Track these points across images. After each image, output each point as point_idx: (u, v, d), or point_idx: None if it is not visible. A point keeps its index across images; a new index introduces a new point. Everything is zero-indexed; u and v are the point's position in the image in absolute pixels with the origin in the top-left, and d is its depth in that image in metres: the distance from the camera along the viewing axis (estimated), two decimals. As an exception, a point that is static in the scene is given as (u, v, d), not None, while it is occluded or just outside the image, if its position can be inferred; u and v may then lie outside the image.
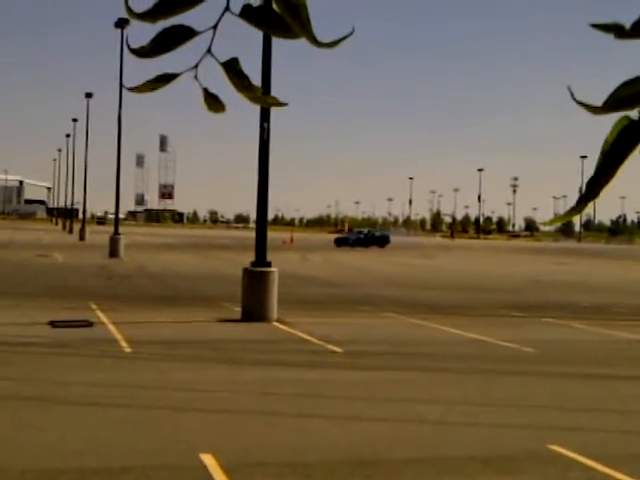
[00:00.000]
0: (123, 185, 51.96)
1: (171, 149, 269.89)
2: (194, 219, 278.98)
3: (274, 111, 20.79)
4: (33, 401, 10.85)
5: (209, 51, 1.20)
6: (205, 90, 1.26)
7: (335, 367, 14.10)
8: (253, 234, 21.48)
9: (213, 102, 1.30)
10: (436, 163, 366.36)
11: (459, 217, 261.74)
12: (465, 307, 25.55)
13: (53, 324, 17.95)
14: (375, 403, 11.34)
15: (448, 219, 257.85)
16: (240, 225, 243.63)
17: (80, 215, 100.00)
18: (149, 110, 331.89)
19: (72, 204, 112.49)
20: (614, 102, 1.21)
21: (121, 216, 58.36)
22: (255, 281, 20.29)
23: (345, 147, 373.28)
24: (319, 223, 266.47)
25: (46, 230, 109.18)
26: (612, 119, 1.24)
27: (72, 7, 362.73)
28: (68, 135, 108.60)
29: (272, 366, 14.02)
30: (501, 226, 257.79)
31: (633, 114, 1.23)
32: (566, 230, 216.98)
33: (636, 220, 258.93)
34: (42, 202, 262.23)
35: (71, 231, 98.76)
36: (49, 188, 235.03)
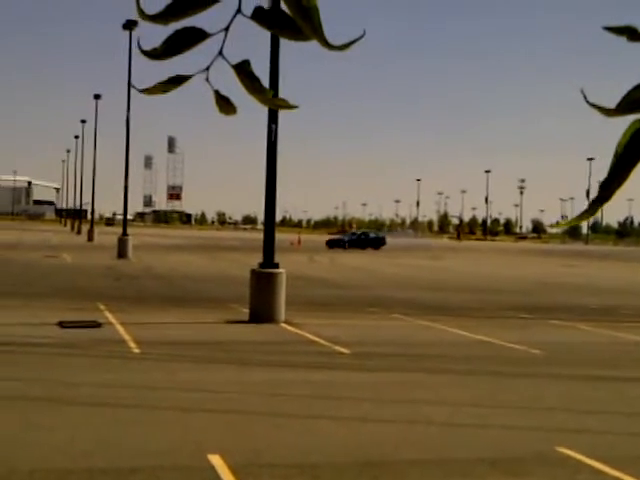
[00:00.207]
0: (131, 186, 52.00)
1: (179, 150, 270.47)
2: (202, 220, 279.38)
3: (282, 113, 20.73)
4: (42, 401, 10.87)
5: (220, 53, 1.21)
6: (216, 92, 1.27)
7: (343, 368, 14.10)
8: (261, 235, 21.49)
9: (224, 104, 1.30)
10: (443, 165, 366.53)
11: (466, 219, 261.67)
12: (472, 309, 25.53)
13: (62, 325, 17.98)
14: (382, 404, 11.34)
15: (455, 221, 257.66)
16: (248, 226, 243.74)
17: (89, 216, 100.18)
18: (157, 112, 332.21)
19: (81, 205, 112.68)
20: (627, 105, 1.22)
21: (129, 217, 58.43)
22: (263, 282, 20.29)
23: (352, 149, 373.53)
24: (326, 225, 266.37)
25: (55, 231, 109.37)
26: (624, 122, 1.24)
27: (80, 9, 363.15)
28: (77, 136, 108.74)
29: (280, 367, 14.03)
30: (508, 228, 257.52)
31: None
32: (573, 232, 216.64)
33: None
34: (51, 203, 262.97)
35: (79, 232, 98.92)
36: (58, 189, 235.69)
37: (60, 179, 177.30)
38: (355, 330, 19.23)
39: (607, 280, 45.25)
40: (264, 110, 19.62)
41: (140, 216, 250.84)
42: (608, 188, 1.25)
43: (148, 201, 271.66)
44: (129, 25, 51.49)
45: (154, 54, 1.18)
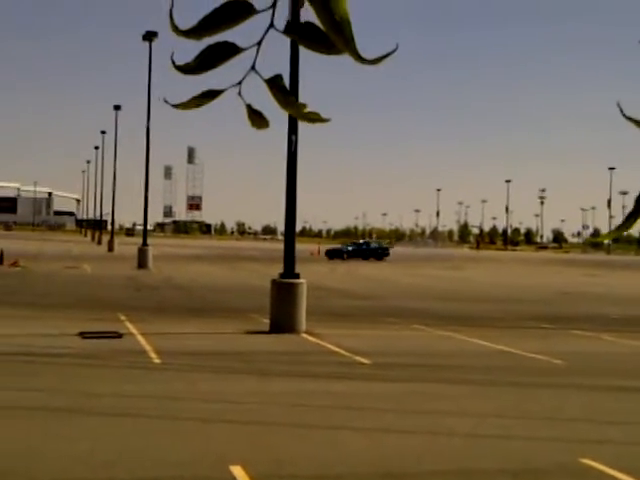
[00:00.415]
0: (151, 197, 52.10)
1: (199, 161, 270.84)
2: (222, 230, 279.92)
3: (302, 124, 20.77)
4: (63, 412, 10.89)
5: (253, 68, 1.21)
6: (249, 106, 1.27)
7: (364, 379, 14.07)
8: (281, 246, 21.50)
9: (257, 118, 1.30)
10: (464, 174, 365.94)
11: (487, 228, 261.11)
12: (493, 319, 25.45)
13: (83, 335, 18.03)
14: (404, 415, 11.31)
15: (476, 230, 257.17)
16: (268, 237, 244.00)
17: (109, 226, 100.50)
18: (177, 122, 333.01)
19: (101, 216, 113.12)
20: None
21: (149, 227, 58.56)
22: (283, 293, 20.29)
23: (372, 159, 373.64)
24: (346, 235, 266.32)
25: (75, 241, 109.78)
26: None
27: (100, 20, 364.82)
28: (97, 147, 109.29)
29: (301, 378, 14.02)
30: (529, 237, 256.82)
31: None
32: (594, 242, 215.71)
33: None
34: (71, 214, 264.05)
35: (100, 242, 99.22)
36: (78, 200, 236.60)
37: (80, 190, 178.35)
38: (376, 340, 19.20)
39: (629, 290, 45.03)
40: (284, 121, 19.66)
41: (160, 226, 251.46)
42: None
43: (168, 211, 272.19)
44: (149, 36, 51.75)
45: (187, 69, 1.18)
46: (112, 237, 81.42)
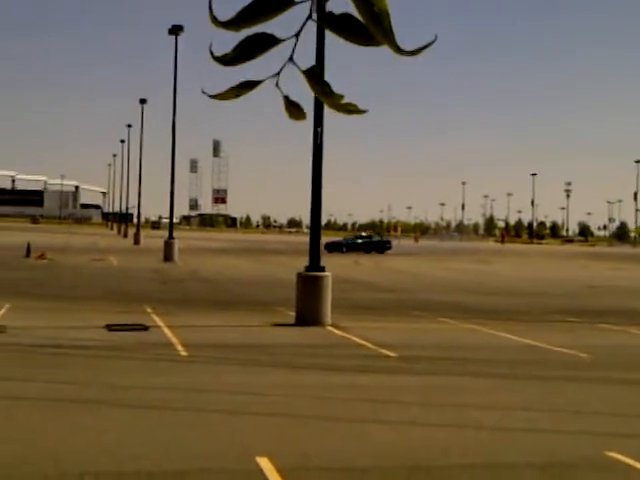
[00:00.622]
0: (177, 190, 52.27)
1: (224, 154, 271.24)
2: (247, 224, 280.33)
3: (328, 116, 20.80)
4: (90, 404, 10.95)
5: (291, 59, 1.21)
6: (286, 98, 1.27)
7: (389, 372, 14.07)
8: (306, 239, 21.51)
9: (294, 110, 1.30)
10: (489, 168, 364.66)
11: (512, 222, 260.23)
12: (519, 312, 25.37)
13: (109, 328, 18.11)
14: (430, 408, 11.30)
15: (501, 224, 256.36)
16: (293, 230, 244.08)
17: (135, 219, 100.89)
18: (202, 115, 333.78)
19: (127, 209, 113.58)
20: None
21: (175, 220, 58.71)
22: (309, 286, 20.32)
23: (398, 152, 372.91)
24: (371, 228, 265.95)
25: (101, 234, 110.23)
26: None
27: (126, 14, 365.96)
28: (123, 141, 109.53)
29: (327, 370, 14.03)
30: (555, 231, 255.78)
31: None
32: (621, 235, 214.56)
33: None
34: (97, 207, 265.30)
35: (126, 235, 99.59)
36: (104, 193, 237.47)
37: (106, 183, 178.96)
38: (401, 333, 19.19)
39: (655, 283, 44.73)
40: (309, 113, 19.62)
41: (186, 219, 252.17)
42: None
43: (194, 204, 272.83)
44: (175, 30, 51.85)
45: (225, 60, 1.19)
46: (138, 230, 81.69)
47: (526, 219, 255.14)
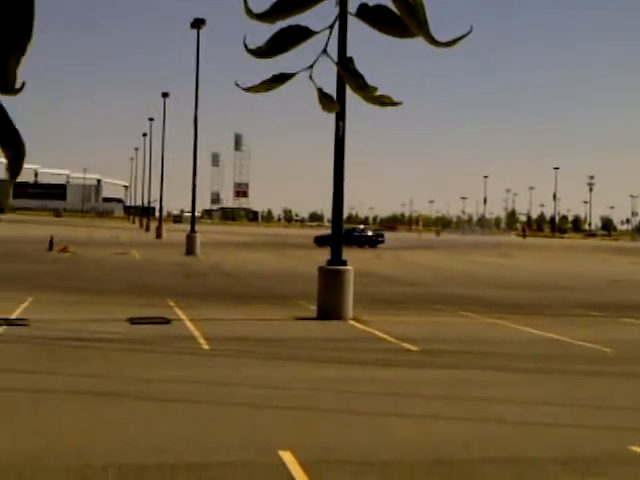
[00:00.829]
0: (198, 183, 52.33)
1: (245, 148, 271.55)
2: (269, 217, 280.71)
3: (349, 109, 20.79)
4: (113, 397, 11.00)
5: (325, 51, 1.21)
6: (319, 90, 1.27)
7: (411, 366, 14.06)
8: (327, 232, 21.49)
9: (327, 102, 1.30)
10: (511, 161, 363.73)
11: (534, 216, 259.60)
12: (541, 306, 25.29)
13: (132, 321, 18.17)
14: (452, 402, 11.29)
15: (523, 218, 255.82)
16: (314, 224, 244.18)
17: (157, 213, 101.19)
18: (224, 109, 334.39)
19: (149, 202, 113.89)
20: None
21: (197, 214, 58.81)
22: (331, 279, 20.33)
23: (420, 145, 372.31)
24: (393, 222, 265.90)
25: (123, 228, 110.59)
26: None
27: (148, 7, 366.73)
28: (145, 134, 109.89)
29: (348, 364, 14.03)
30: (577, 225, 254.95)
31: None
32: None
33: None
34: (119, 200, 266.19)
35: (148, 229, 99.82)
36: (126, 186, 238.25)
37: (128, 177, 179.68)
38: (423, 327, 19.18)
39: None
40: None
41: (208, 213, 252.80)
42: None
43: (215, 198, 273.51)
44: (197, 24, 51.91)
45: (259, 52, 1.19)
46: (160, 224, 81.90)
47: (548, 213, 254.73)
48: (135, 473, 7.94)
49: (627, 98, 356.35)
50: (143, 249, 53.19)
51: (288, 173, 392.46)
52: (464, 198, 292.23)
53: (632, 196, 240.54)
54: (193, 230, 51.50)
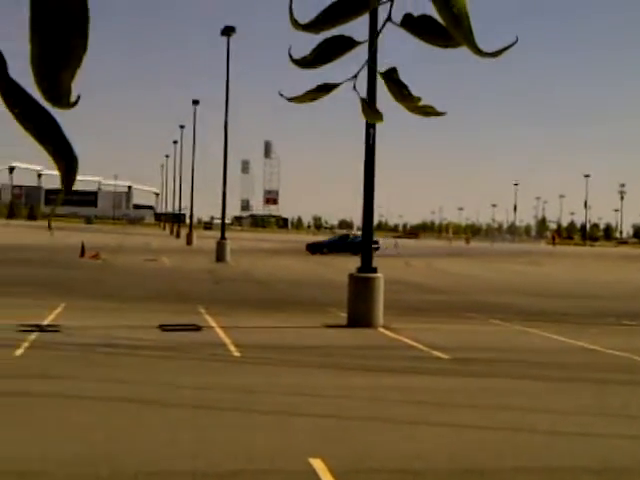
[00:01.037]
0: (229, 191, 52.55)
1: (275, 155, 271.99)
2: (298, 224, 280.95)
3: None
4: (144, 404, 11.03)
5: (368, 61, 1.21)
6: (363, 100, 1.27)
7: (442, 374, 14.02)
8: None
9: (371, 112, 1.30)
10: (541, 169, 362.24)
11: (565, 224, 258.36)
12: (572, 315, 25.14)
13: (163, 328, 18.23)
14: (484, 411, 11.24)
15: (553, 226, 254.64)
16: (344, 231, 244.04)
17: (187, 220, 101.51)
18: (254, 116, 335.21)
19: (179, 209, 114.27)
20: None
21: (227, 221, 58.99)
22: (361, 287, 20.30)
23: (449, 152, 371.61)
24: (422, 229, 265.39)
25: (154, 235, 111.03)
26: None
27: (179, 15, 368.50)
28: (175, 141, 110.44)
29: (379, 372, 14.01)
30: (608, 233, 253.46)
31: None
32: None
33: None
34: (150, 207, 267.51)
35: (178, 236, 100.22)
36: (157, 193, 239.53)
37: (159, 184, 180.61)
38: (453, 335, 19.11)
39: None
40: (361, 113, 19.52)
41: (238, 220, 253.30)
42: None
43: (245, 205, 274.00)
44: (227, 31, 52.13)
45: (304, 63, 1.19)
46: (190, 230, 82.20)
47: (579, 221, 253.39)
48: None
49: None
50: (174, 256, 53.37)
51: (318, 180, 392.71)
52: (494, 205, 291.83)
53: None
54: (223, 237, 51.64)
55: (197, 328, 18.46)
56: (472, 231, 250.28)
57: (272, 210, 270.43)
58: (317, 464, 8.28)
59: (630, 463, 8.85)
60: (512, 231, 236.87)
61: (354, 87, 1.26)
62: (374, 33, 1.26)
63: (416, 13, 1.13)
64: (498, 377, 13.85)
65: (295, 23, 1.12)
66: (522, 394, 12.49)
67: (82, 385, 12.04)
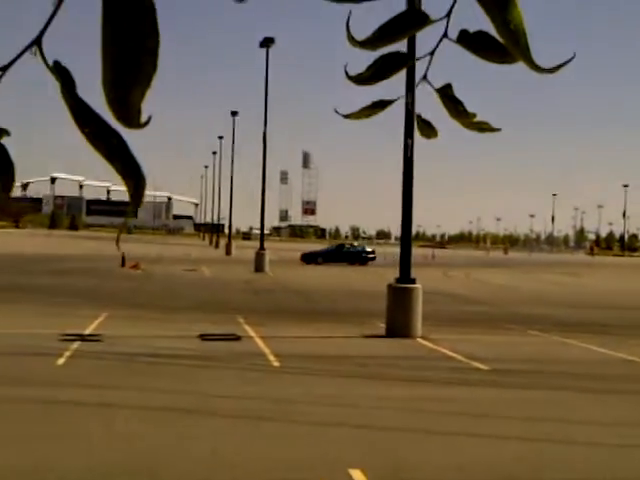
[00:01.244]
0: (267, 201, 52.81)
1: (314, 166, 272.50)
2: (336, 235, 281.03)
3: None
4: (184, 413, 11.07)
5: (425, 77, 1.23)
6: (419, 116, 1.29)
7: (481, 385, 13.97)
8: (394, 250, 21.48)
9: (426, 128, 1.32)
10: (580, 179, 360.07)
11: (603, 234, 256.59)
12: (612, 326, 24.93)
13: (203, 337, 18.31)
14: (523, 422, 11.18)
15: (592, 236, 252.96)
16: (382, 241, 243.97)
17: (226, 230, 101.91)
18: (292, 127, 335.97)
19: (218, 219, 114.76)
20: None
21: (266, 231, 59.11)
22: (399, 297, 20.27)
23: (488, 163, 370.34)
24: (460, 239, 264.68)
25: (193, 245, 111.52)
26: None
27: (217, 26, 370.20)
28: (214, 152, 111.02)
29: (418, 382, 13.99)
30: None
31: None
32: None
33: None
34: (189, 217, 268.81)
35: (217, 246, 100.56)
36: (196, 204, 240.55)
37: (198, 194, 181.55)
38: (492, 346, 19.03)
39: None
40: (400, 125, 19.56)
41: (276, 230, 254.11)
42: None
43: (284, 215, 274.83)
44: (266, 43, 52.27)
45: (360, 79, 1.21)
46: (229, 241, 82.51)
47: (618, 231, 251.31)
48: (206, 489, 7.99)
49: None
50: (213, 266, 53.55)
51: (356, 191, 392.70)
52: (532, 216, 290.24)
53: None
54: (262, 247, 51.76)
55: (237, 338, 18.52)
56: (510, 241, 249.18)
57: (310, 220, 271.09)
58: (357, 475, 8.28)
59: (672, 476, 8.78)
60: (550, 241, 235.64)
61: (408, 104, 1.28)
62: (431, 51, 1.28)
63: (471, 29, 1.15)
64: (537, 388, 13.77)
65: (352, 39, 1.14)
66: (561, 405, 12.42)
67: (123, 394, 12.11)
